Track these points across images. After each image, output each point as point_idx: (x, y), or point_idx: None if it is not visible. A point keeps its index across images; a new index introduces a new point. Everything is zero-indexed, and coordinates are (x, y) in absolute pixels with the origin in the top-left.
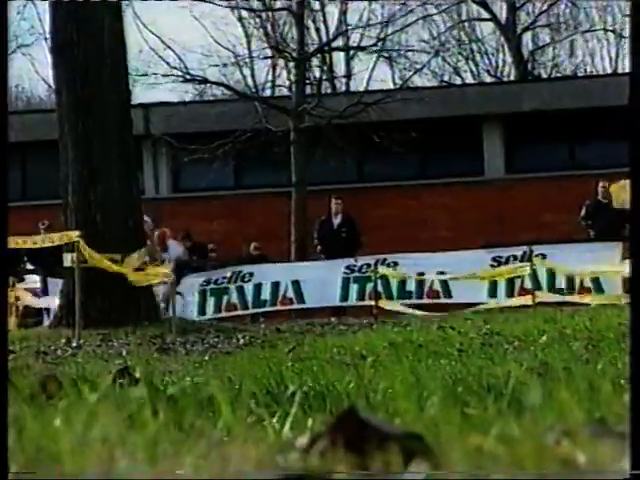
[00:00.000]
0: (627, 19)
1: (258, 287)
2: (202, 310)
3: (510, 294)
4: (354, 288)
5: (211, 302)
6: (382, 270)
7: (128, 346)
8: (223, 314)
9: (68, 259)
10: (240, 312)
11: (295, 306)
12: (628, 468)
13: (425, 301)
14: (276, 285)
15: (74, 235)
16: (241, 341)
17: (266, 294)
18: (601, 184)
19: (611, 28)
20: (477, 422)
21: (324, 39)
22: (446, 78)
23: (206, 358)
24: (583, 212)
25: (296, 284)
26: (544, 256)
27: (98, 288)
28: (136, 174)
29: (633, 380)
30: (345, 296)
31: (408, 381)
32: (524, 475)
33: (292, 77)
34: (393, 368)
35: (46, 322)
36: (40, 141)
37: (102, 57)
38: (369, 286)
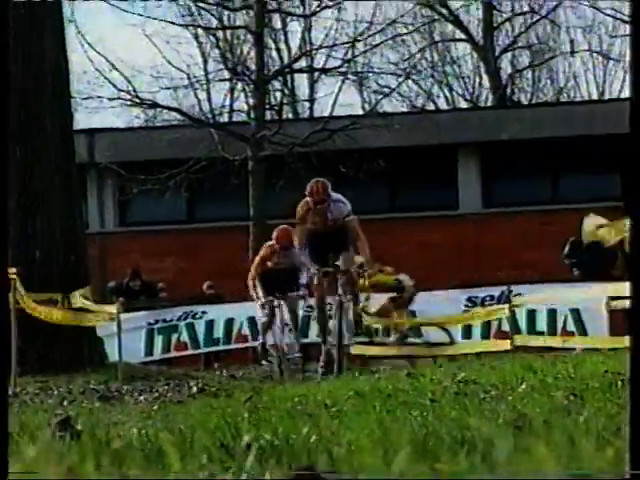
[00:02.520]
0: (614, 40)
1: (210, 324)
2: (149, 350)
3: (485, 336)
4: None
5: (159, 341)
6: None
7: (69, 395)
8: (172, 354)
9: None
10: (191, 352)
11: (251, 344)
12: (628, 468)
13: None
14: (230, 322)
15: (10, 272)
16: (193, 389)
17: (219, 332)
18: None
19: (596, 49)
20: (448, 478)
21: (286, 60)
22: (418, 103)
23: (155, 408)
24: (567, 250)
25: (252, 320)
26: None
27: (36, 331)
28: (79, 206)
29: (633, 380)
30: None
31: (375, 434)
32: (524, 476)
33: (251, 101)
34: (358, 419)
35: None
36: None
37: (42, 77)
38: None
